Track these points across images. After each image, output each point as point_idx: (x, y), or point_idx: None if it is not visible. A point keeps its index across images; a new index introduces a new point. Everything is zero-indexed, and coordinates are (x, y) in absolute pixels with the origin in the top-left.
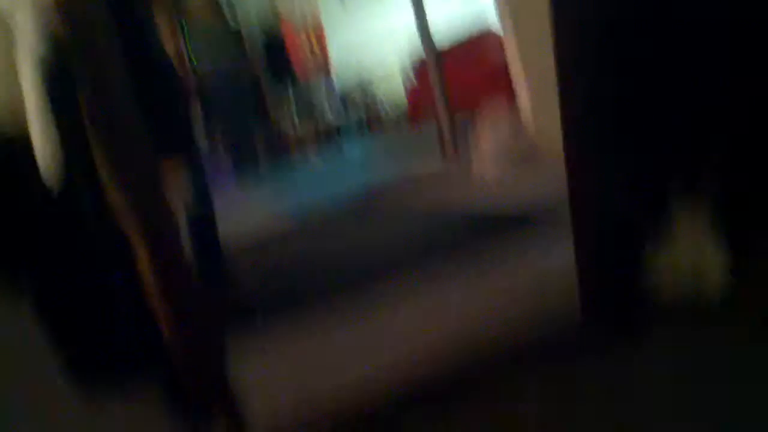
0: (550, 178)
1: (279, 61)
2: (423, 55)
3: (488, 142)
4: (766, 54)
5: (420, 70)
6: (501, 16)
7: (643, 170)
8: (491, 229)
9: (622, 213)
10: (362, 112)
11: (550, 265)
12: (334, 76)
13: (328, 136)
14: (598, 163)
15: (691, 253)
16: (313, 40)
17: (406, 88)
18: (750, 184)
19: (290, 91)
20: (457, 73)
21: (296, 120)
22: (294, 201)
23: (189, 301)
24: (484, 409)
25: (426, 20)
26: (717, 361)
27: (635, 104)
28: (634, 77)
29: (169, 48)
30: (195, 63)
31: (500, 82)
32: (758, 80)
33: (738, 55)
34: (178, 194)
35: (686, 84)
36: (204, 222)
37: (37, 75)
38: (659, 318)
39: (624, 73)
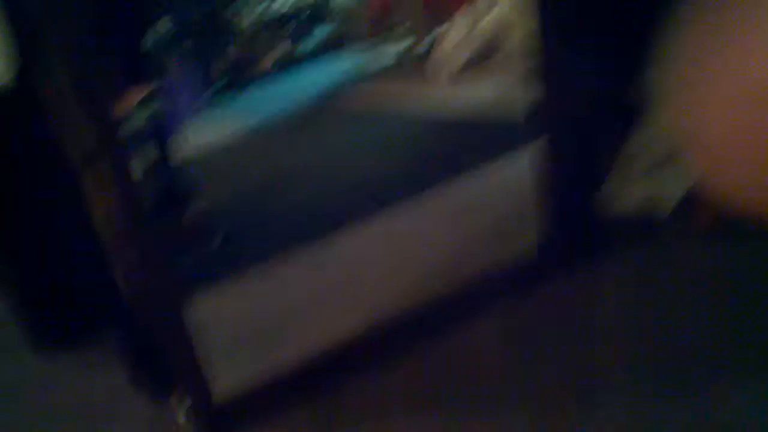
0: (510, 83)
1: None
2: None
3: (447, 47)
4: None
5: None
6: None
7: (602, 78)
8: (451, 137)
9: (582, 123)
10: (321, 21)
11: (509, 177)
12: None
13: (281, 31)
14: (562, 73)
15: (647, 166)
16: None
17: None
18: None
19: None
20: None
21: (245, 16)
22: (256, 114)
23: (145, 236)
24: (444, 341)
25: None
26: (673, 277)
27: (596, 26)
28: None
29: None
30: None
31: None
32: None
33: None
34: (139, 115)
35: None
36: (163, 127)
37: None
38: (617, 234)
39: None
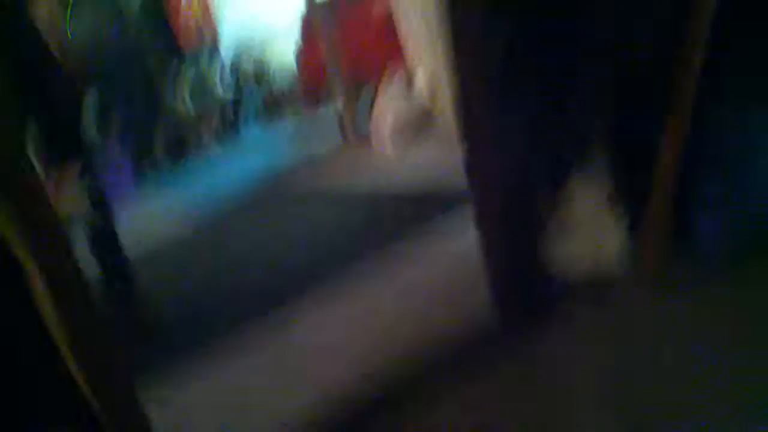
0: (450, 152)
1: (163, 31)
2: (308, 12)
3: (384, 115)
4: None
5: (307, 31)
6: None
7: (536, 142)
8: (396, 210)
9: (520, 187)
10: (256, 85)
11: (457, 248)
12: (223, 45)
13: (223, 116)
14: (490, 132)
15: (590, 226)
16: (198, 4)
17: (297, 54)
18: (635, 155)
19: (177, 65)
20: (348, 36)
21: (188, 100)
22: (196, 196)
23: (92, 327)
24: (404, 418)
25: None
26: (623, 329)
27: (522, 74)
28: (523, 47)
29: (49, 29)
30: (72, 38)
31: (390, 40)
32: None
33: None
34: (71, 204)
35: (585, 61)
36: (103, 231)
37: None
38: (565, 294)
39: (512, 42)
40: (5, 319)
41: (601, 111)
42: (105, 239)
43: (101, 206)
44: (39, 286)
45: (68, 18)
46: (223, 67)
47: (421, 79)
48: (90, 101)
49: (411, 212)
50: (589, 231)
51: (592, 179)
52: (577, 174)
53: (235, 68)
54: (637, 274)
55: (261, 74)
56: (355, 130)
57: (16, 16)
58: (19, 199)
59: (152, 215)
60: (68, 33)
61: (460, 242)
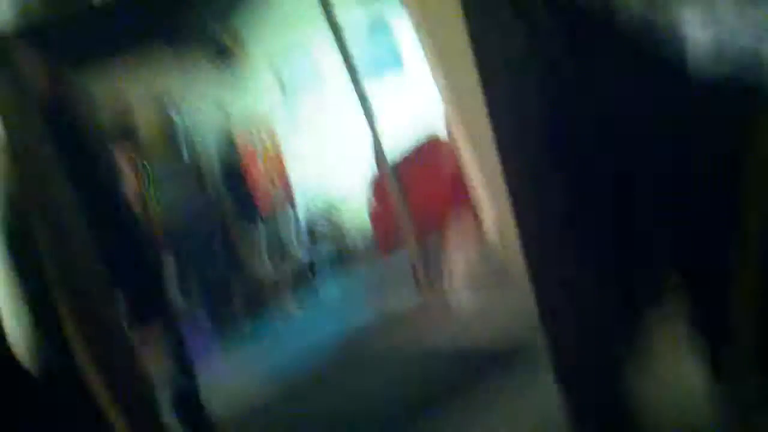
0: (525, 301)
1: (242, 196)
2: (378, 172)
3: (458, 267)
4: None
5: (378, 190)
6: (449, 121)
7: (609, 283)
8: (474, 365)
9: (597, 334)
10: (331, 244)
11: (537, 401)
12: (297, 206)
13: (301, 275)
14: (561, 280)
15: (670, 363)
16: (273, 169)
17: (369, 211)
18: (718, 298)
19: (257, 228)
20: (415, 189)
21: (267, 261)
22: (276, 356)
23: None
24: None
25: (377, 134)
26: None
27: (590, 216)
28: (591, 188)
29: (134, 199)
30: (159, 210)
31: (459, 193)
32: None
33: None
34: (156, 365)
35: (644, 192)
36: (187, 392)
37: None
38: None
39: (578, 183)
40: None
41: (670, 243)
42: (188, 399)
43: (184, 366)
44: None
45: (152, 188)
46: (298, 227)
47: (489, 226)
48: (171, 266)
49: (488, 366)
50: (669, 369)
51: (669, 315)
52: (653, 310)
53: (310, 228)
54: (721, 415)
55: (335, 233)
56: (429, 280)
57: (107, 190)
58: (110, 362)
59: (233, 375)
60: (152, 202)
61: (541, 395)
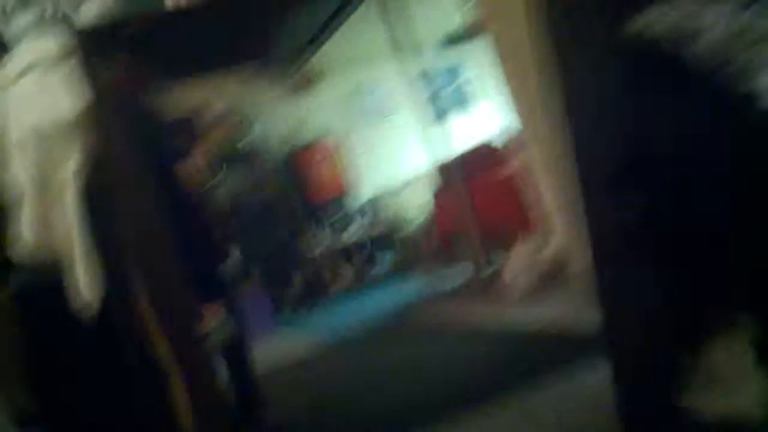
0: (582, 297)
1: (303, 185)
2: (443, 180)
3: (518, 260)
4: None
5: (442, 195)
6: (521, 132)
7: (676, 296)
8: (525, 349)
9: (657, 339)
10: (389, 233)
11: (587, 387)
12: (356, 198)
13: (358, 261)
14: (627, 288)
15: (732, 379)
16: (336, 162)
17: (431, 212)
18: None
19: (315, 214)
20: (479, 193)
21: (325, 245)
22: (329, 326)
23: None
24: None
25: (449, 143)
26: None
27: (663, 228)
28: (662, 198)
29: (201, 181)
30: (225, 194)
31: (523, 198)
32: None
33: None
34: (215, 335)
35: (714, 208)
36: (240, 360)
37: (80, 200)
38: None
39: (652, 194)
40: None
41: (743, 263)
42: (237, 357)
43: (239, 338)
44: (181, 395)
45: (223, 181)
46: (359, 215)
47: (554, 243)
48: (234, 258)
49: (534, 356)
50: (731, 385)
51: (735, 331)
52: (718, 326)
53: (370, 217)
54: None
55: (395, 223)
56: (481, 283)
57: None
58: (172, 321)
59: (287, 346)
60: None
61: (593, 383)
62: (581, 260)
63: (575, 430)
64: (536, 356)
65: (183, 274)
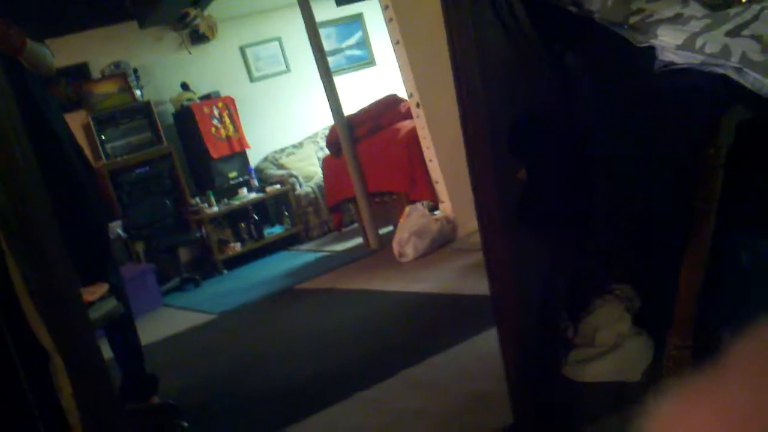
0: (469, 261)
1: (193, 141)
2: (334, 128)
3: (405, 230)
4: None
5: (331, 144)
6: (407, 84)
7: (558, 265)
8: (416, 315)
9: (541, 307)
10: (280, 196)
11: (476, 355)
12: (248, 155)
13: (249, 223)
14: (513, 255)
15: (611, 337)
16: (225, 116)
17: (322, 168)
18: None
19: (206, 174)
20: (368, 149)
21: (215, 206)
22: (218, 296)
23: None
24: None
25: (336, 95)
26: None
27: (549, 198)
28: (548, 165)
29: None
30: (108, 155)
31: (413, 153)
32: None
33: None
34: (97, 312)
35: (602, 179)
36: (126, 336)
37: None
38: (585, 413)
39: (540, 159)
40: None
41: (621, 231)
42: (122, 334)
43: (124, 313)
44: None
45: (105, 142)
46: (250, 175)
47: (444, 207)
48: (114, 230)
49: (428, 321)
50: (611, 342)
51: (612, 300)
52: (597, 295)
53: (261, 176)
54: (658, 384)
55: (286, 182)
56: (377, 242)
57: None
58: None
59: (174, 319)
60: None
61: (480, 351)
62: (469, 227)
63: (469, 396)
64: (429, 323)
65: (63, 249)
